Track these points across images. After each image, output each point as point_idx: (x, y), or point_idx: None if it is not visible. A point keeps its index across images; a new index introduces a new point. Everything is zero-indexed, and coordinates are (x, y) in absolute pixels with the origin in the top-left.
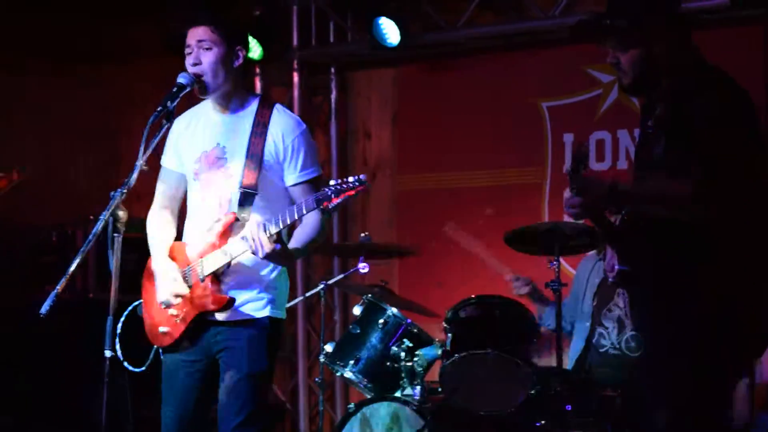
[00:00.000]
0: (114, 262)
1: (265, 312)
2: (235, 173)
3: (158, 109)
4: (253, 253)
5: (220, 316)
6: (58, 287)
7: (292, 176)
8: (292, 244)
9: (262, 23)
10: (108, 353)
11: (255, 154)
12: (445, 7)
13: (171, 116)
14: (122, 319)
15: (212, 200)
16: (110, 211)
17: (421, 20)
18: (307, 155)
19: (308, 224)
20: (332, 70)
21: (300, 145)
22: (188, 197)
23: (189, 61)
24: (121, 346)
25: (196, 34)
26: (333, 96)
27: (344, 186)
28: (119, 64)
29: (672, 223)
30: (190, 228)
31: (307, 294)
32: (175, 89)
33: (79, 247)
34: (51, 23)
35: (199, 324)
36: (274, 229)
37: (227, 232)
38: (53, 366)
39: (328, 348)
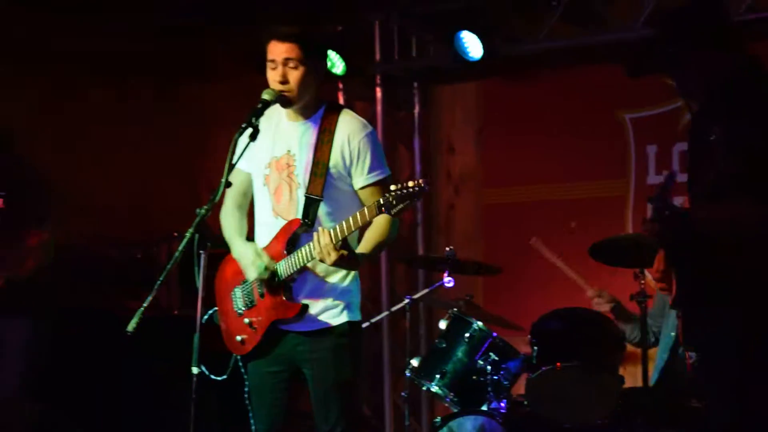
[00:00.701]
0: (200, 278)
1: (343, 318)
2: (302, 180)
3: (243, 125)
4: (321, 260)
5: (297, 326)
6: (144, 305)
7: (360, 179)
8: (361, 248)
9: (344, 39)
10: (195, 370)
11: (321, 161)
12: (527, 19)
13: (256, 133)
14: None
15: (280, 207)
16: (196, 227)
17: (503, 33)
18: (374, 156)
19: (377, 227)
20: (415, 84)
21: (366, 146)
22: (256, 203)
23: (275, 77)
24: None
25: (283, 50)
26: (416, 110)
27: (405, 191)
28: (203, 82)
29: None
30: (259, 234)
31: (393, 309)
32: (260, 106)
33: (163, 264)
34: (137, 43)
35: (277, 333)
36: (339, 236)
37: (294, 239)
38: (138, 383)
39: (414, 362)
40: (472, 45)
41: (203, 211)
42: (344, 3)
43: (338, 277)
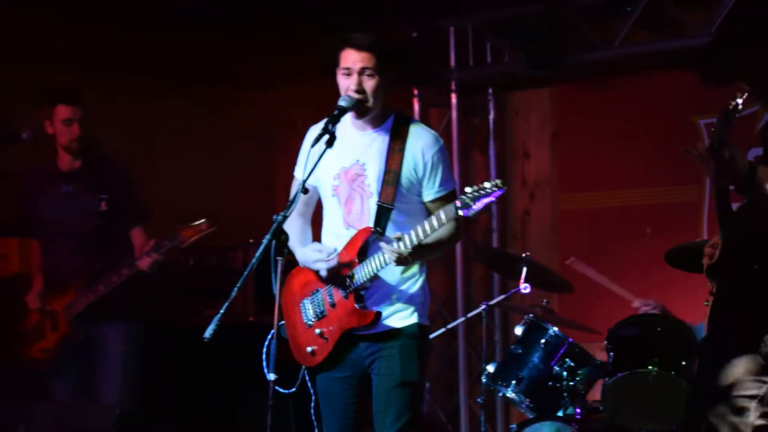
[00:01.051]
0: (277, 285)
1: (413, 320)
2: (373, 190)
3: (320, 132)
4: (398, 264)
5: (368, 331)
6: (221, 312)
7: (430, 192)
8: (433, 239)
9: (419, 45)
10: (271, 376)
11: (393, 171)
12: (601, 26)
13: (332, 139)
14: (266, 342)
15: (352, 217)
16: (273, 234)
17: (577, 39)
18: (444, 170)
19: (442, 228)
20: (490, 90)
21: (439, 160)
22: (325, 213)
23: (350, 85)
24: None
25: (359, 59)
26: (491, 116)
27: (482, 192)
28: (278, 88)
29: None
30: (328, 244)
31: (468, 315)
32: (336, 112)
33: (237, 271)
34: (213, 47)
35: (346, 339)
36: (414, 241)
37: (365, 248)
38: (214, 389)
39: (490, 368)
40: (547, 51)
41: (280, 217)
42: (419, 10)
43: (408, 283)
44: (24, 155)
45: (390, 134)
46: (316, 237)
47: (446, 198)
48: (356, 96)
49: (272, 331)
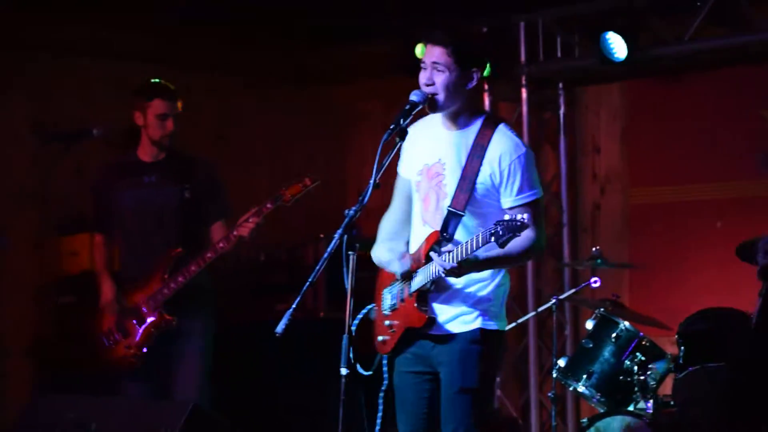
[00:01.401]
0: (349, 280)
1: (476, 324)
2: (449, 191)
3: (391, 126)
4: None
5: (433, 330)
6: (293, 307)
7: (508, 199)
8: (496, 253)
9: (489, 40)
10: (344, 371)
11: (468, 176)
12: (672, 20)
13: (404, 134)
14: (356, 322)
15: (428, 215)
16: (344, 229)
17: (648, 34)
18: (524, 178)
19: (518, 240)
20: (560, 85)
21: (517, 168)
22: (412, 209)
23: (422, 79)
24: (353, 349)
25: (432, 54)
26: (561, 111)
27: (515, 224)
28: (349, 83)
29: None
30: (412, 239)
31: (539, 309)
32: (407, 107)
33: (308, 266)
34: (285, 43)
35: (416, 336)
36: (457, 258)
37: (433, 251)
38: (285, 385)
39: (561, 363)
40: (617, 46)
41: (351, 212)
42: (490, 4)
43: (477, 286)
44: (96, 152)
45: (474, 138)
46: None
47: (526, 206)
48: (426, 89)
49: (356, 321)
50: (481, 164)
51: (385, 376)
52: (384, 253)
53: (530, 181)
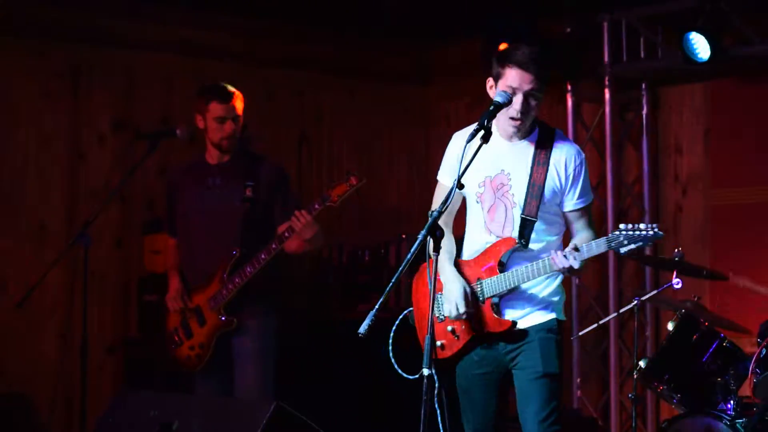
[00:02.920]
0: (432, 280)
1: (551, 316)
2: (518, 200)
3: (475, 127)
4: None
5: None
6: (376, 307)
7: (570, 203)
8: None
9: (573, 40)
10: (426, 371)
11: (537, 183)
12: (756, 20)
13: (488, 135)
14: (393, 327)
15: (494, 225)
16: (428, 229)
17: (731, 34)
18: (584, 183)
19: (586, 238)
20: (643, 85)
21: (580, 172)
22: (468, 218)
23: (516, 107)
24: (393, 355)
25: (526, 79)
26: (644, 111)
27: (636, 234)
28: (432, 83)
29: None
30: (469, 248)
31: (621, 310)
32: (492, 108)
33: (391, 267)
34: (367, 41)
35: (482, 340)
36: (585, 256)
37: (507, 258)
38: (368, 384)
39: (642, 364)
40: (701, 46)
41: (435, 213)
42: (573, 4)
43: (548, 290)
44: (180, 152)
45: (535, 146)
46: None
47: (585, 209)
48: (519, 116)
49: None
50: (547, 170)
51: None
52: (444, 255)
53: (587, 186)
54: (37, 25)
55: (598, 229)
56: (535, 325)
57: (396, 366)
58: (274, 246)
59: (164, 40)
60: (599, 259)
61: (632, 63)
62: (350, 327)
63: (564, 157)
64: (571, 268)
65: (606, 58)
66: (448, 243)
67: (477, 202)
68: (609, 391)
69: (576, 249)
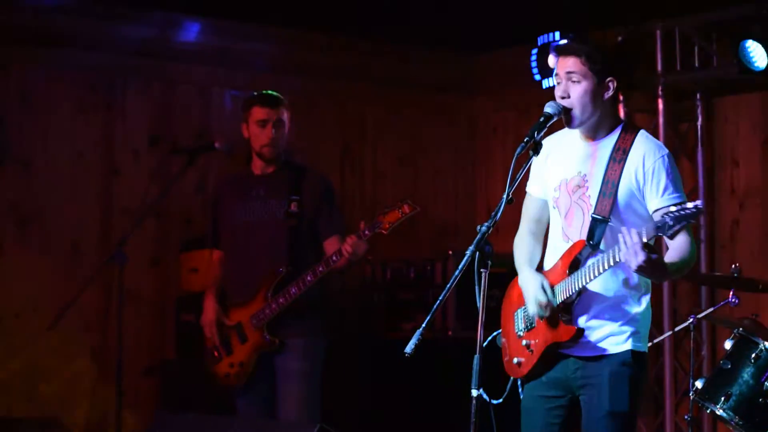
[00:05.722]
0: (481, 298)
1: (627, 346)
2: (593, 201)
3: (525, 139)
4: (626, 263)
5: (577, 350)
6: (422, 326)
7: (654, 201)
8: (666, 259)
9: (625, 49)
10: (474, 392)
11: (611, 181)
12: None
13: (538, 147)
14: (482, 348)
15: (572, 230)
16: (477, 245)
17: None
18: (669, 179)
19: (678, 247)
20: (698, 95)
21: (661, 168)
22: (550, 227)
23: (557, 92)
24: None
25: (566, 65)
26: (699, 122)
27: (682, 213)
28: (479, 93)
29: None
30: (548, 257)
31: (676, 329)
32: (542, 119)
33: (437, 284)
34: (412, 51)
35: (556, 357)
36: (645, 237)
37: (576, 261)
38: (414, 405)
39: (698, 384)
40: (757, 54)
41: (484, 228)
42: (625, 12)
43: (629, 303)
44: (219, 166)
45: (614, 145)
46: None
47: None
48: (562, 103)
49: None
50: (623, 166)
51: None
52: (524, 258)
53: (676, 184)
54: (72, 36)
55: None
56: (611, 355)
57: (482, 391)
58: (321, 269)
59: (201, 50)
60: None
61: (686, 72)
62: (394, 346)
63: (643, 152)
64: (647, 259)
65: (659, 68)
66: (532, 251)
67: (554, 207)
68: (664, 413)
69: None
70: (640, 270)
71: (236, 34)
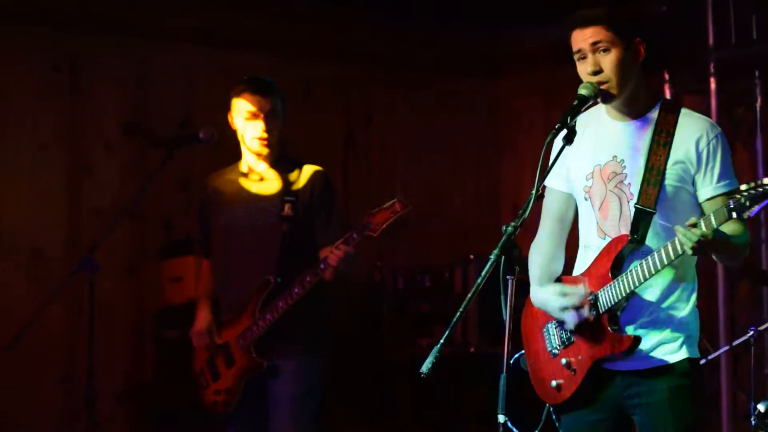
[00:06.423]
0: (507, 309)
1: (682, 354)
2: (635, 191)
3: (556, 126)
4: (681, 245)
5: (626, 365)
6: (441, 341)
7: (706, 189)
8: (729, 231)
9: (671, 21)
10: (501, 418)
11: (656, 166)
12: None
13: (572, 135)
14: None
15: (608, 224)
16: (501, 248)
17: None
18: (724, 162)
19: (730, 230)
20: (756, 73)
21: (716, 149)
22: (580, 221)
23: (585, 68)
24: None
25: (588, 35)
26: (758, 104)
27: (759, 191)
28: (502, 76)
29: None
30: (581, 259)
31: (734, 343)
32: (576, 103)
33: (456, 293)
34: (425, 28)
35: (600, 373)
36: (713, 224)
37: (620, 260)
38: (432, 427)
39: (761, 407)
40: None
41: (510, 228)
42: None
43: (676, 306)
44: (203, 160)
45: (655, 124)
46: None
47: (728, 197)
48: (594, 79)
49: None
50: (670, 151)
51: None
52: (535, 273)
53: (729, 168)
54: (29, 8)
55: None
56: (666, 366)
57: (510, 424)
58: (309, 279)
59: (183, 25)
60: (706, 280)
61: (742, 47)
62: (408, 364)
63: (693, 132)
64: (701, 242)
65: (710, 42)
66: (548, 262)
67: (585, 198)
68: None
69: (693, 225)
70: (694, 252)
71: (224, 7)
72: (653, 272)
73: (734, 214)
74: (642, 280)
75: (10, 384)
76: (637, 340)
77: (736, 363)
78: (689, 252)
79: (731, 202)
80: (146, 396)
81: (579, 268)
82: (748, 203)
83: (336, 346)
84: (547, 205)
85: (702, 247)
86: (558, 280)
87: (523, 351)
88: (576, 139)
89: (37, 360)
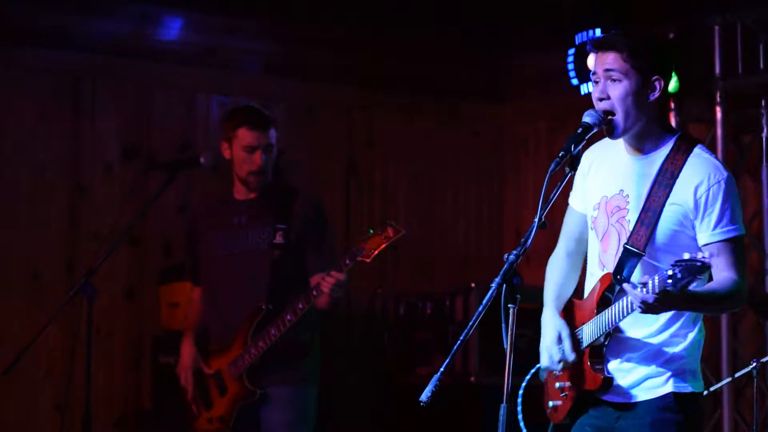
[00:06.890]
0: (508, 338)
1: (666, 389)
2: (628, 227)
3: (560, 154)
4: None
5: (612, 397)
6: (441, 370)
7: (703, 234)
8: (701, 290)
9: (677, 48)
10: None
11: (652, 208)
12: None
13: (575, 163)
14: (523, 384)
15: (606, 256)
16: (503, 276)
17: None
18: (724, 208)
19: (720, 279)
20: (763, 102)
21: (716, 196)
22: (588, 249)
23: (595, 93)
24: (523, 417)
25: (605, 61)
26: (764, 134)
27: (696, 264)
28: (506, 101)
29: None
30: (587, 286)
31: (736, 375)
32: (580, 130)
33: (456, 321)
34: (427, 50)
35: (592, 402)
36: (656, 289)
37: (605, 298)
38: None
39: None
40: None
41: (512, 256)
42: (678, 4)
43: (669, 342)
44: (203, 184)
45: (663, 162)
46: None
47: (726, 243)
48: (600, 105)
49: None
50: (669, 193)
51: None
52: (551, 294)
53: (731, 213)
54: (32, 31)
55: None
56: (648, 401)
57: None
58: (300, 306)
59: (184, 49)
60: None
61: (749, 75)
62: (408, 394)
63: (694, 176)
64: (650, 305)
65: (717, 70)
66: (564, 281)
67: (592, 228)
68: None
69: (644, 284)
70: (645, 308)
71: (224, 31)
72: (623, 316)
73: (669, 287)
74: (617, 320)
75: (8, 409)
76: (608, 380)
77: (739, 396)
78: (638, 311)
79: (669, 271)
80: (143, 422)
81: (586, 292)
82: (680, 276)
83: (335, 374)
84: (567, 223)
85: (654, 308)
86: (570, 301)
87: (539, 365)
88: (594, 166)
89: (34, 385)
